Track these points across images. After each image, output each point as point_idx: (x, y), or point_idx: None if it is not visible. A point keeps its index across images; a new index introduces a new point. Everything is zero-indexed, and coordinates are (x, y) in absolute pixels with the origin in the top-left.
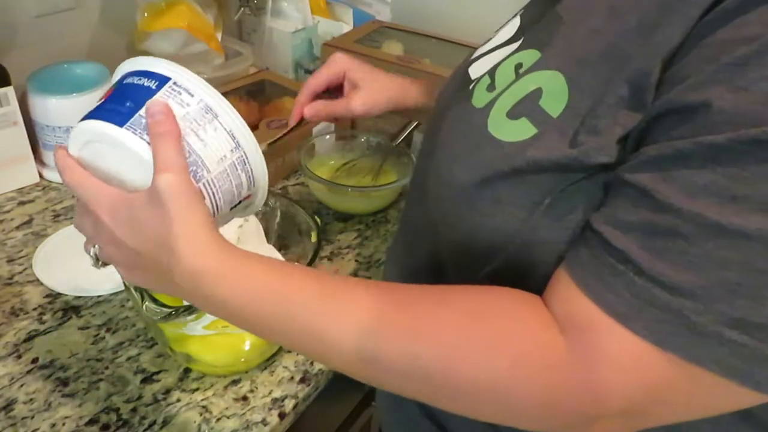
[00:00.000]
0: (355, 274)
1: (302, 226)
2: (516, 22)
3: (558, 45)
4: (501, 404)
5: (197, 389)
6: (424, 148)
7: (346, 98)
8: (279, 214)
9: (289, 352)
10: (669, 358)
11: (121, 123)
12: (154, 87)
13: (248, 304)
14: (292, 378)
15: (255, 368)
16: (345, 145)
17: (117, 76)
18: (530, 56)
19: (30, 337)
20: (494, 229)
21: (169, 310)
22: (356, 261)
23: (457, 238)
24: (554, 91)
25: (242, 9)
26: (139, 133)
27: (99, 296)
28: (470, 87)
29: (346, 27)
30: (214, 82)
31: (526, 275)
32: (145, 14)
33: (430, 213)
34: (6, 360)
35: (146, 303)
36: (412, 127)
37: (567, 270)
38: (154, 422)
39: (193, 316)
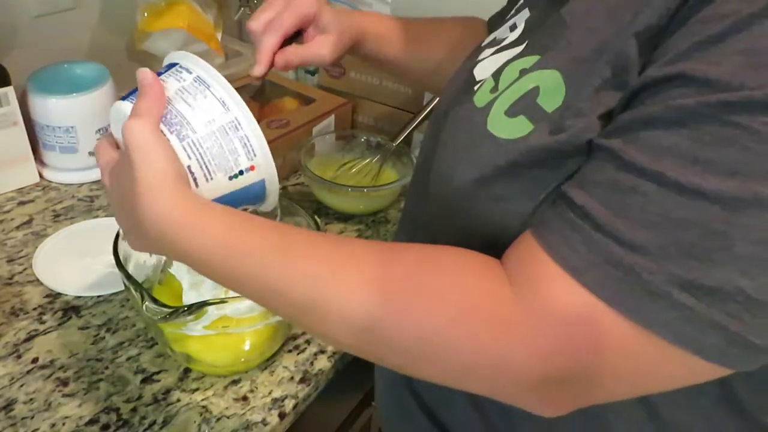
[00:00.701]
0: None
1: (302, 226)
2: (521, 26)
3: (558, 46)
4: (448, 360)
5: (197, 389)
6: (425, 146)
7: (317, 45)
8: (279, 214)
9: (290, 351)
10: (618, 317)
11: (125, 98)
12: (162, 71)
13: (210, 257)
14: (292, 378)
15: (255, 368)
16: (345, 145)
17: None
18: (534, 61)
19: (30, 337)
20: (492, 225)
21: (169, 310)
22: None
23: (456, 235)
24: (551, 87)
25: (242, 9)
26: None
27: (99, 296)
28: (474, 88)
29: None
30: None
31: None
32: (145, 14)
33: (430, 211)
34: (6, 360)
35: (146, 303)
36: (412, 126)
37: (530, 229)
38: (154, 422)
39: (193, 316)
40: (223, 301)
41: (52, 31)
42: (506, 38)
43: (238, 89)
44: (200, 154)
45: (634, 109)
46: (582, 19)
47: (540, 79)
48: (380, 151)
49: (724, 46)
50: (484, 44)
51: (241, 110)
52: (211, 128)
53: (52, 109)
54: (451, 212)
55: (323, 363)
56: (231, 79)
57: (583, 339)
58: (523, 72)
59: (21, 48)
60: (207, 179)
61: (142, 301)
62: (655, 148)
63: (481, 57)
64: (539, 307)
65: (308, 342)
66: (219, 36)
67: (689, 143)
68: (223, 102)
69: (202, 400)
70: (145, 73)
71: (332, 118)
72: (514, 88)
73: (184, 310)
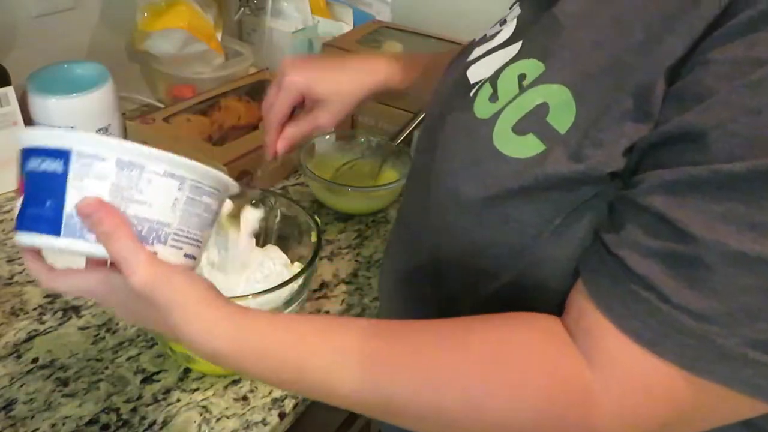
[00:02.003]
0: (354, 274)
1: (302, 226)
2: (513, 23)
3: (562, 57)
4: None
5: (197, 389)
6: (421, 145)
7: (313, 116)
8: (279, 214)
9: None
10: (697, 381)
11: (56, 232)
12: (60, 171)
13: (268, 374)
14: None
15: None
16: (345, 145)
17: (20, 147)
18: (533, 67)
19: (30, 337)
20: (502, 245)
21: None
22: (356, 261)
23: (462, 250)
24: (561, 106)
25: (242, 9)
26: (79, 235)
27: None
28: (471, 93)
29: (346, 27)
30: (214, 82)
31: (535, 292)
32: (145, 14)
33: (432, 218)
34: (6, 360)
35: None
36: (412, 126)
37: (589, 297)
38: (154, 422)
39: None
40: None
41: (52, 31)
42: (497, 34)
43: (238, 88)
44: (185, 237)
45: (675, 169)
46: (583, 25)
47: (547, 94)
48: (380, 151)
49: (763, 93)
50: (476, 41)
51: (189, 170)
52: (179, 208)
53: (52, 109)
54: (456, 226)
55: None
56: (232, 79)
57: (666, 406)
58: (523, 79)
59: (21, 48)
60: (198, 246)
61: None
62: (708, 215)
63: (473, 57)
64: (619, 381)
65: None
66: (219, 36)
67: (743, 209)
68: (171, 175)
69: (202, 400)
70: (87, 207)
71: None
72: (519, 102)
73: None
